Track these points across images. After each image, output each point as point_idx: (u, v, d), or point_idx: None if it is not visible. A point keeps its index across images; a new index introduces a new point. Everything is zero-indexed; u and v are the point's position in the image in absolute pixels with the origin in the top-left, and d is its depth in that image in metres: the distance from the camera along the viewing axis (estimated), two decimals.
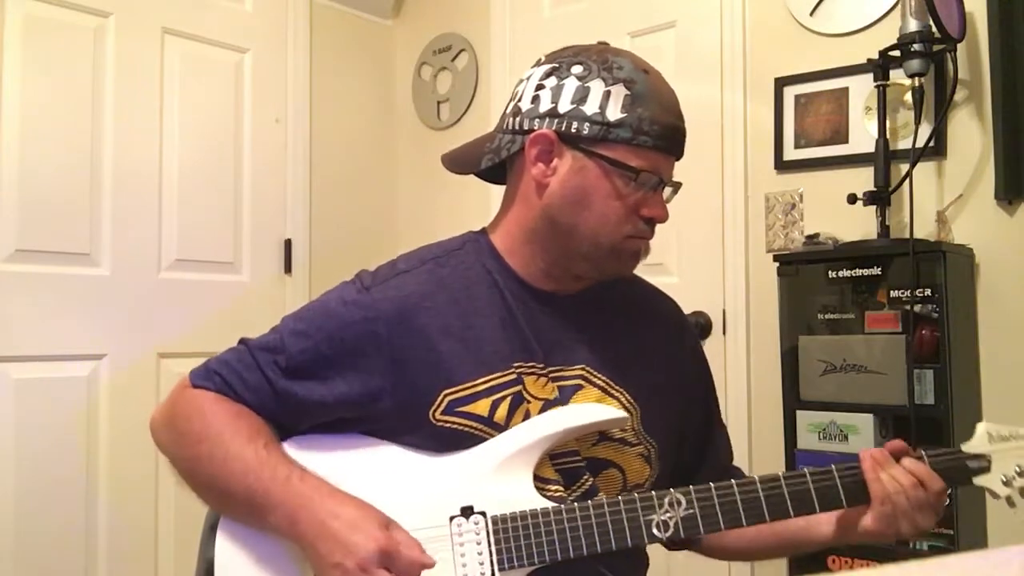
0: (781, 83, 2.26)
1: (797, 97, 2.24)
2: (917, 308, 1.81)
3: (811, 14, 2.23)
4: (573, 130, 1.03)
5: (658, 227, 1.09)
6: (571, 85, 1.04)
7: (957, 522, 1.73)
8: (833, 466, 1.03)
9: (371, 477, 1.03)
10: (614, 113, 1.02)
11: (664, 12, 2.49)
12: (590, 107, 1.03)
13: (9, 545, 2.12)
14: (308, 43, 2.89)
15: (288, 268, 2.78)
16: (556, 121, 1.04)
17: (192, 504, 1.08)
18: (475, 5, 2.96)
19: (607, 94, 1.02)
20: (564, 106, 1.04)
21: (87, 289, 2.31)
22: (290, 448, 1.06)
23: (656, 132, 1.02)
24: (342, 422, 1.07)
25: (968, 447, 1.04)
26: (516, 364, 1.06)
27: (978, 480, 1.02)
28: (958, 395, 1.80)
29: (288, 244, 2.79)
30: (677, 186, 1.10)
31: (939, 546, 1.75)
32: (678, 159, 1.09)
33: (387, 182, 3.14)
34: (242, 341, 1.10)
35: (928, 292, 1.80)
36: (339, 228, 2.93)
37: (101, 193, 2.34)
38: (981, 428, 1.04)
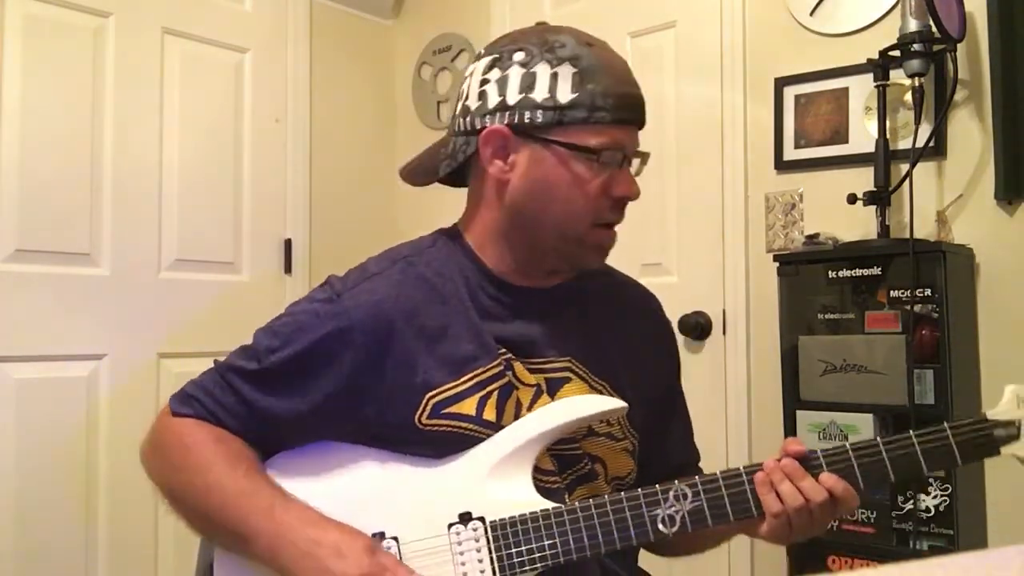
0: (781, 83, 2.26)
1: (797, 97, 2.24)
2: (917, 308, 1.81)
3: (811, 14, 2.23)
4: (526, 120, 0.98)
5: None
6: (516, 74, 1.00)
7: (957, 522, 1.73)
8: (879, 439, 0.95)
9: (366, 489, 1.00)
10: (565, 95, 0.97)
11: (664, 12, 2.48)
12: (539, 93, 0.98)
13: (9, 545, 2.12)
14: (308, 43, 2.89)
15: (288, 268, 2.78)
16: (507, 114, 0.99)
17: None
18: (475, 5, 2.96)
19: (555, 76, 0.98)
20: (512, 97, 0.99)
21: (87, 289, 2.31)
22: (281, 461, 1.03)
23: (612, 104, 0.98)
24: (332, 433, 1.03)
25: (995, 414, 0.95)
26: (501, 352, 1.02)
27: (1007, 449, 0.94)
28: (958, 395, 1.80)
29: (288, 244, 2.79)
30: (645, 156, 1.04)
31: (939, 546, 1.74)
32: (640, 127, 1.03)
33: (387, 182, 3.13)
34: (216, 363, 1.06)
35: (928, 292, 1.80)
36: (339, 228, 2.93)
37: (101, 193, 2.34)
38: (1009, 391, 0.95)
